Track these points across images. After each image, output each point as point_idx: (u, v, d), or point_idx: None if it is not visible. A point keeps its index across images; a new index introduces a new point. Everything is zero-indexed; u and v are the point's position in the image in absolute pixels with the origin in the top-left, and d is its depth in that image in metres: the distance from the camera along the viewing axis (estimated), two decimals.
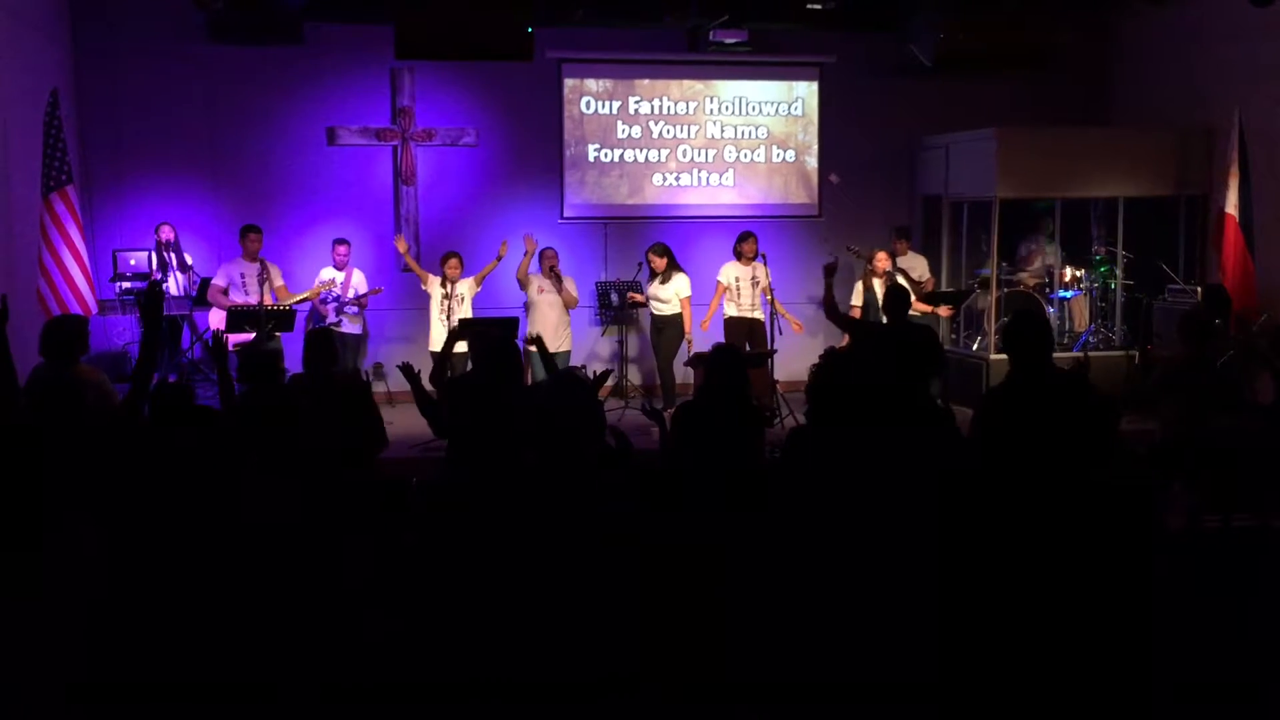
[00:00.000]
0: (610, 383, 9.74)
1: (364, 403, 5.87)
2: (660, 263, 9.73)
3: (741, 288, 9.71)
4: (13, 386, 4.71)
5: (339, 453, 5.26)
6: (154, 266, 9.55)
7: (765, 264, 9.76)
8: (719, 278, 9.83)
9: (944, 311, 10.17)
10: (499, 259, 9.53)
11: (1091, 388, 4.62)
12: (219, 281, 9.30)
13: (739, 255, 9.77)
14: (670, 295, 9.75)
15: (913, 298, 9.66)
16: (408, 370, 5.77)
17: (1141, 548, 4.04)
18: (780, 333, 9.68)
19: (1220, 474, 5.91)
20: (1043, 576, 3.79)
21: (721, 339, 9.62)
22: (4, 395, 4.59)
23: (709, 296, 10.05)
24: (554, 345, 9.43)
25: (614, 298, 10.38)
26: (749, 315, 9.73)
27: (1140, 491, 4.36)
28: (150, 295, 5.08)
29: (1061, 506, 3.94)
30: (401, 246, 9.93)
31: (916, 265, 10.34)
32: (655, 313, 9.89)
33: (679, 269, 9.83)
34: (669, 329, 9.82)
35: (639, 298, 10.16)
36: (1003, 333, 4.88)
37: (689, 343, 9.74)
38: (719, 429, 5.13)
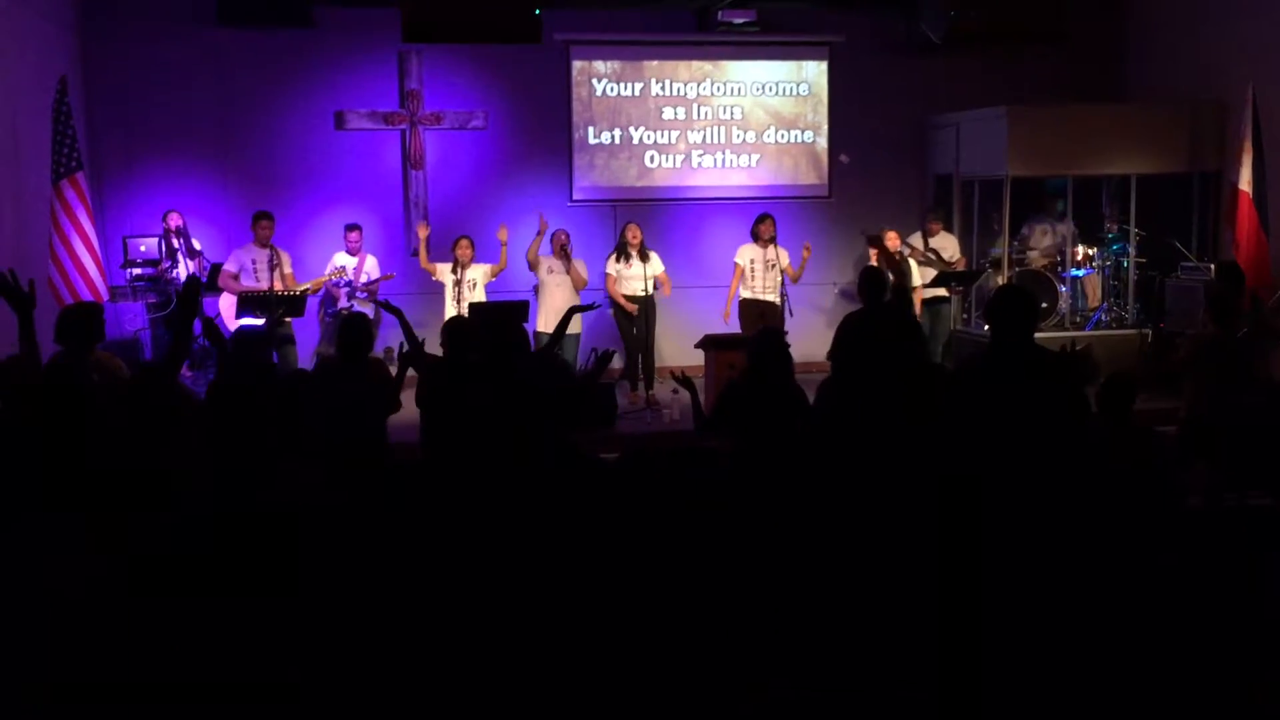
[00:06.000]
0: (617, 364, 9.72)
1: (391, 385, 5.97)
2: (639, 240, 9.59)
3: (757, 269, 9.63)
4: (37, 369, 4.76)
5: (367, 439, 5.40)
6: (163, 253, 9.55)
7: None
8: (736, 259, 9.74)
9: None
10: (504, 246, 9.47)
11: (1093, 369, 4.63)
12: (230, 267, 9.28)
13: (756, 237, 9.67)
14: (652, 273, 9.61)
15: (919, 281, 9.69)
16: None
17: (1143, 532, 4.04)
18: (791, 314, 9.62)
19: (1238, 452, 5.92)
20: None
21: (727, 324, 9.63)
22: (30, 377, 4.63)
23: (711, 278, 9.95)
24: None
25: None
26: (764, 298, 9.63)
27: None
28: (188, 287, 5.10)
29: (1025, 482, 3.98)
30: (423, 232, 9.83)
31: (948, 245, 10.31)
32: (636, 294, 9.57)
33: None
34: (652, 309, 9.65)
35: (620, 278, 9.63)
36: (986, 306, 4.95)
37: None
38: (764, 413, 5.21)
